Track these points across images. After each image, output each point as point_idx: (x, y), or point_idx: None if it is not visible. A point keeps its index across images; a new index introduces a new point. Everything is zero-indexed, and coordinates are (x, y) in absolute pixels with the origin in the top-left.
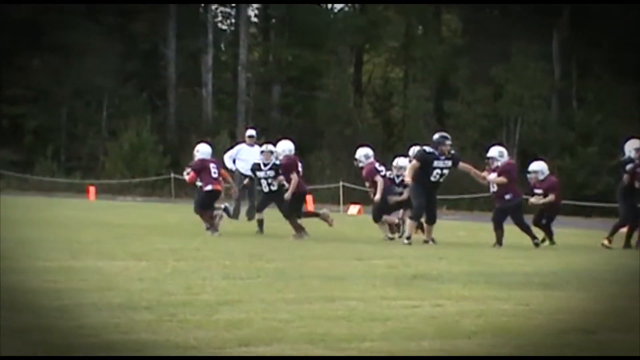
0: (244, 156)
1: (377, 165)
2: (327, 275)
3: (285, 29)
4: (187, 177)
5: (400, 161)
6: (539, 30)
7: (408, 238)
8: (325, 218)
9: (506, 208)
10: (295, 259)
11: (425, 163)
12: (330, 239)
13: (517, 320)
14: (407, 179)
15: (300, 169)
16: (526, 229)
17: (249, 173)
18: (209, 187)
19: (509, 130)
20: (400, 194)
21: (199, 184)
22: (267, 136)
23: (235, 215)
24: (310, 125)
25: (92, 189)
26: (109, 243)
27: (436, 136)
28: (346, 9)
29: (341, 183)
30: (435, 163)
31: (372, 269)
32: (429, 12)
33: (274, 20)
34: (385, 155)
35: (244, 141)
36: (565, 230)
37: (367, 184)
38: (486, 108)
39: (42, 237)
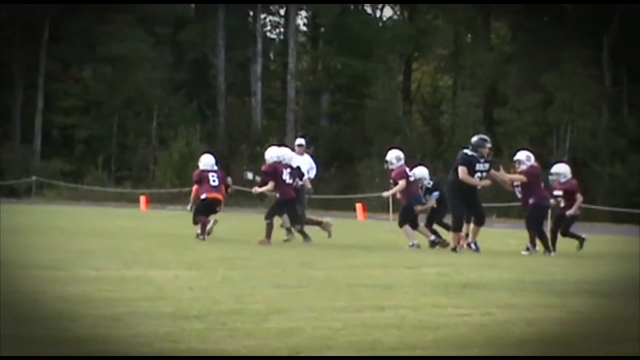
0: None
1: (407, 169)
2: (377, 283)
3: (334, 38)
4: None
5: (417, 172)
6: (588, 37)
7: (454, 249)
8: (326, 228)
9: (534, 212)
10: (345, 267)
11: (470, 166)
12: (380, 247)
13: (568, 329)
14: (483, 182)
15: (286, 176)
16: (531, 234)
17: (300, 182)
18: (203, 196)
19: (559, 137)
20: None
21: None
22: (316, 145)
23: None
24: (360, 133)
25: (143, 199)
26: (160, 252)
27: (475, 139)
28: (395, 17)
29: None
30: (477, 166)
31: (422, 277)
32: (478, 19)
33: (322, 29)
34: (435, 164)
35: (293, 150)
36: (616, 237)
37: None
38: (536, 115)
39: (94, 247)
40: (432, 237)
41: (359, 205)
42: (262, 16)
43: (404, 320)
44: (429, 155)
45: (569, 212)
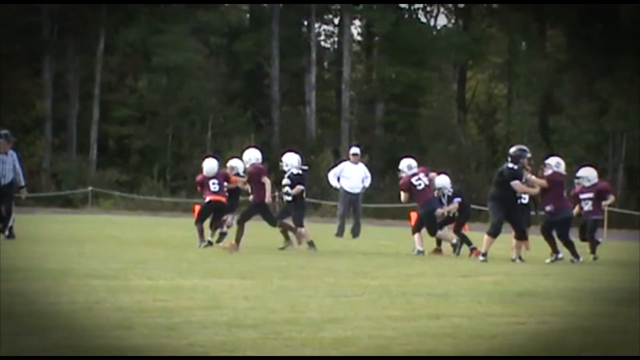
0: (348, 174)
1: (414, 179)
2: (432, 292)
3: (388, 47)
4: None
5: (438, 180)
6: None
7: (484, 255)
8: (299, 237)
9: (552, 221)
10: (400, 276)
11: (520, 180)
12: (434, 256)
13: (626, 337)
14: (534, 190)
15: (265, 177)
16: (569, 244)
17: (355, 190)
18: (207, 199)
19: (615, 145)
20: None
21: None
22: (370, 154)
23: (340, 232)
24: (414, 142)
25: (198, 208)
26: (215, 262)
27: (513, 149)
28: (449, 25)
29: None
30: (523, 179)
31: (477, 285)
32: (532, 27)
33: (377, 38)
34: (490, 173)
35: (348, 159)
36: None
37: (402, 195)
38: (591, 123)
39: (149, 256)
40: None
41: (413, 214)
42: (316, 25)
43: (459, 329)
44: (483, 163)
45: (605, 203)
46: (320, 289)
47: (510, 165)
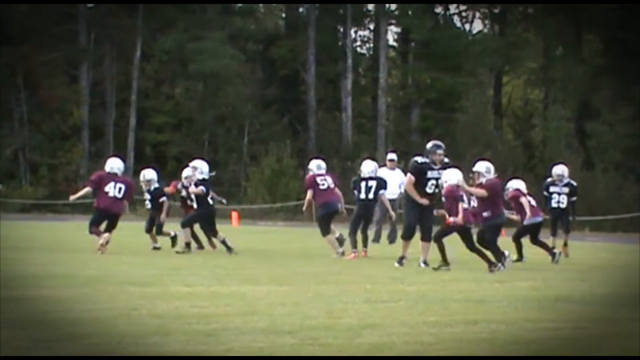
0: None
1: (320, 178)
2: (468, 298)
3: (424, 52)
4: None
5: (362, 166)
6: None
7: (401, 259)
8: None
9: (487, 226)
10: (436, 282)
11: (419, 174)
12: (471, 261)
13: None
14: (424, 200)
15: (110, 188)
16: (495, 251)
17: (391, 196)
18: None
19: None
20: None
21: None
22: (407, 159)
23: (376, 238)
24: (451, 147)
25: (235, 215)
26: (252, 268)
27: (429, 145)
28: (484, 31)
29: None
30: (429, 173)
31: (514, 291)
32: (568, 32)
33: (412, 44)
34: (527, 177)
35: (384, 165)
36: None
37: (307, 193)
38: (629, 128)
39: (186, 263)
40: (340, 250)
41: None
42: (352, 31)
43: (496, 334)
44: (520, 169)
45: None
46: (357, 295)
47: (417, 158)
